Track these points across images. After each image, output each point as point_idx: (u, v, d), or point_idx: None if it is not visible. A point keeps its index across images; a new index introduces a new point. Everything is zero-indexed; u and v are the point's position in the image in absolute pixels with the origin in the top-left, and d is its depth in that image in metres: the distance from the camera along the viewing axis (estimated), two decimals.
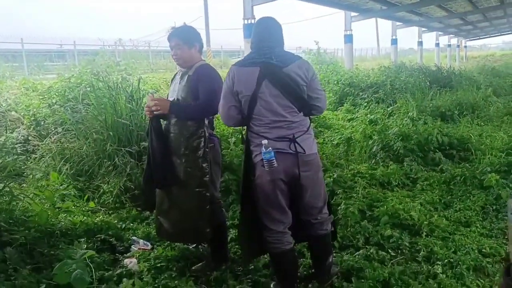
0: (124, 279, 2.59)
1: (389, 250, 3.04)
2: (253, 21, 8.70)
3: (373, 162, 5.05)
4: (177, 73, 2.92)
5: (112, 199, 3.91)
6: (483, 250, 3.01)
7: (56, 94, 6.18)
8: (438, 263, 2.83)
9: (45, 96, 6.24)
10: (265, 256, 2.88)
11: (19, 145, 5.34)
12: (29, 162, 4.81)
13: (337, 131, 6.72)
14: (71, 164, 4.34)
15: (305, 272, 2.83)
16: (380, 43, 45.86)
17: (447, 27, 25.05)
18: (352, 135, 6.07)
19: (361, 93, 9.52)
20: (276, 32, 2.48)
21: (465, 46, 40.24)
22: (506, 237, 3.14)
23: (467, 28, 27.45)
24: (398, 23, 20.10)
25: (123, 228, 3.47)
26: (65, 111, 5.29)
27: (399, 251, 3.05)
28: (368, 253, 2.97)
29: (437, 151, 5.04)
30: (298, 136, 2.38)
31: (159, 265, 2.87)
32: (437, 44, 28.82)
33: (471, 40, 40.28)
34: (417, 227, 3.34)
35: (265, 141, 2.30)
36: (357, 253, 2.99)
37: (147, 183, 2.89)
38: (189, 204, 2.70)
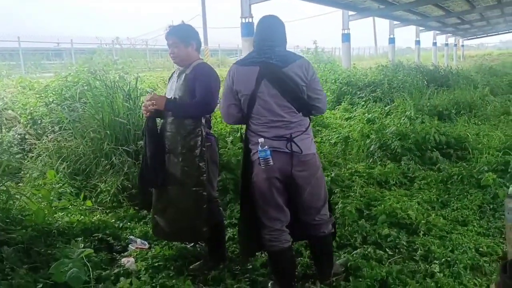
0: (122, 278, 2.59)
1: (387, 249, 3.05)
2: (251, 19, 8.67)
3: (370, 161, 5.06)
4: (174, 71, 2.90)
5: (109, 198, 3.90)
6: (480, 249, 3.02)
7: (53, 92, 6.14)
8: (435, 262, 2.84)
9: (42, 94, 6.19)
10: (263, 255, 2.88)
11: (16, 144, 5.32)
12: (26, 161, 4.78)
13: (334, 130, 6.71)
14: (68, 163, 4.33)
15: (302, 272, 2.83)
16: (377, 42, 45.90)
17: (445, 26, 25.06)
18: (350, 134, 6.07)
19: (358, 92, 9.50)
20: (278, 30, 2.47)
21: (463, 45, 40.30)
22: (503, 236, 3.15)
23: (465, 27, 27.46)
24: (395, 22, 20.09)
25: (120, 227, 3.48)
26: (62, 110, 5.26)
27: (397, 250, 3.06)
28: (366, 252, 2.97)
29: (435, 150, 5.05)
30: (296, 136, 2.37)
31: (156, 264, 2.87)
32: (435, 43, 28.83)
33: (469, 39, 40.31)
34: (414, 226, 3.35)
35: (261, 140, 2.30)
36: (355, 252, 2.99)
37: (141, 182, 2.91)
38: (186, 203, 2.70)
